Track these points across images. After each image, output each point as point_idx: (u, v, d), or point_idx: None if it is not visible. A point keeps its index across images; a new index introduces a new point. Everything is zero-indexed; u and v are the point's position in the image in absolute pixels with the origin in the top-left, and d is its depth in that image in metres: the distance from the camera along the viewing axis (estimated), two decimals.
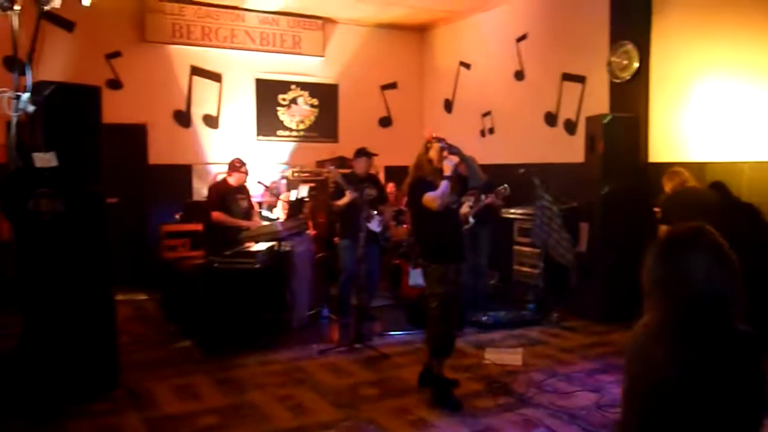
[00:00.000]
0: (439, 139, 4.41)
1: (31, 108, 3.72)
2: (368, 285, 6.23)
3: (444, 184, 4.22)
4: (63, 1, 4.05)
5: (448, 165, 4.27)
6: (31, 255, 4.04)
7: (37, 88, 3.94)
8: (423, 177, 4.37)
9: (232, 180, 6.33)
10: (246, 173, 6.38)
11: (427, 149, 4.42)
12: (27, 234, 4.00)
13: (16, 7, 3.75)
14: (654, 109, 6.47)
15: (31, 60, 4.06)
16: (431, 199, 4.23)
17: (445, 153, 4.34)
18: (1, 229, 6.50)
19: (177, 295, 6.51)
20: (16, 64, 3.98)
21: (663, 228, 5.14)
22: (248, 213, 6.47)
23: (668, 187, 5.37)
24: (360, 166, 6.36)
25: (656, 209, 5.36)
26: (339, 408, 4.23)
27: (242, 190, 6.46)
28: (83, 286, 4.24)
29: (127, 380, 4.60)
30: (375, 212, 6.32)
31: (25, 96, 3.73)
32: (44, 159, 3.81)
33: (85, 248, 4.22)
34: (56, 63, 7.27)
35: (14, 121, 3.73)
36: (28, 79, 3.84)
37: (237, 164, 6.34)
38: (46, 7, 3.82)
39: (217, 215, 6.14)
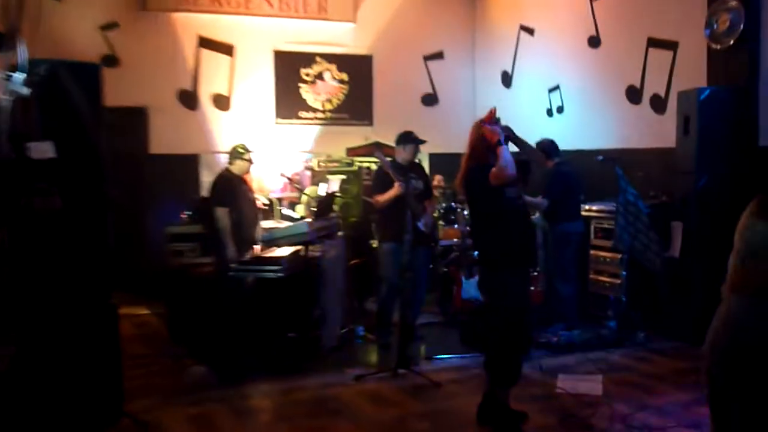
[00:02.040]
0: (493, 122, 4.44)
1: (25, 90, 3.87)
2: (414, 298, 6.30)
3: (502, 150, 4.25)
4: None
5: (493, 130, 4.33)
6: (24, 259, 4.19)
7: (30, 66, 4.08)
8: (481, 163, 4.42)
9: (235, 169, 6.45)
10: (250, 161, 6.49)
11: (480, 133, 4.47)
12: (19, 235, 4.16)
13: None
14: (766, 81, 6.38)
15: (21, 34, 4.21)
16: (498, 171, 4.24)
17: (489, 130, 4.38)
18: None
19: (185, 309, 6.63)
20: (4, 40, 4.13)
21: None
22: (255, 207, 6.57)
23: None
24: (404, 155, 6.42)
25: None
26: None
27: (245, 181, 6.57)
28: (83, 296, 4.39)
29: (134, 409, 4.74)
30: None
31: (18, 76, 3.87)
32: (40, 149, 3.97)
33: (85, 252, 4.37)
34: (44, 37, 7.48)
35: (6, 105, 3.88)
36: (21, 57, 3.97)
37: (240, 150, 6.45)
38: None
39: (222, 212, 6.21)
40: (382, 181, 6.31)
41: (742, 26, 6.37)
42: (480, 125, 4.46)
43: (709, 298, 6.22)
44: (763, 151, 6.39)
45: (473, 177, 4.44)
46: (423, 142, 6.46)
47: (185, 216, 7.88)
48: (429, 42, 10.15)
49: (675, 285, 6.34)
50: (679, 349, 6.26)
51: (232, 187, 6.34)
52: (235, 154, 6.47)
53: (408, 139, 6.43)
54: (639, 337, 6.48)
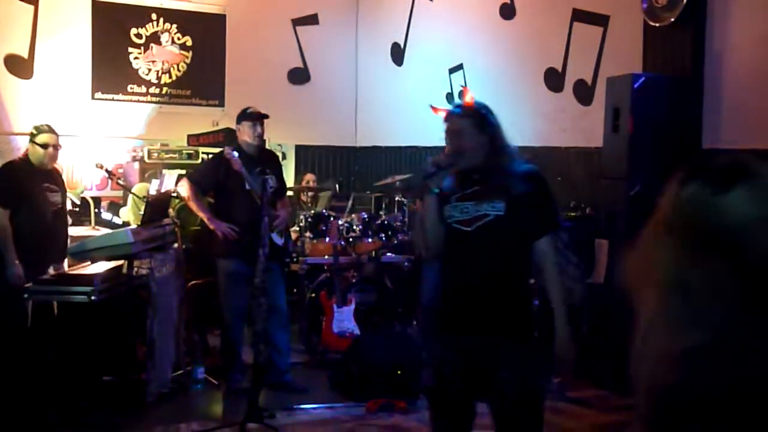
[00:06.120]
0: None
1: None
2: (276, 330, 6.31)
3: (428, 203, 3.64)
4: None
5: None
6: None
7: None
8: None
9: (33, 157, 6.30)
10: (46, 147, 6.30)
11: None
12: None
13: None
14: (713, 69, 6.64)
15: None
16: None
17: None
18: None
19: None
20: None
21: None
22: (61, 213, 6.51)
23: None
24: (245, 139, 6.38)
25: None
26: None
27: (51, 176, 6.48)
28: None
29: None
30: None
31: None
32: None
33: None
34: None
35: None
36: None
37: (33, 132, 6.33)
38: None
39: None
40: (211, 173, 6.39)
41: (685, 0, 6.62)
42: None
43: None
44: (707, 154, 6.64)
45: None
46: (263, 117, 6.43)
47: None
48: (300, 0, 10.16)
49: (598, 319, 6.50)
50: (604, 398, 6.41)
51: (19, 180, 6.20)
52: (31, 136, 6.34)
53: (243, 116, 6.41)
54: (552, 384, 6.59)
